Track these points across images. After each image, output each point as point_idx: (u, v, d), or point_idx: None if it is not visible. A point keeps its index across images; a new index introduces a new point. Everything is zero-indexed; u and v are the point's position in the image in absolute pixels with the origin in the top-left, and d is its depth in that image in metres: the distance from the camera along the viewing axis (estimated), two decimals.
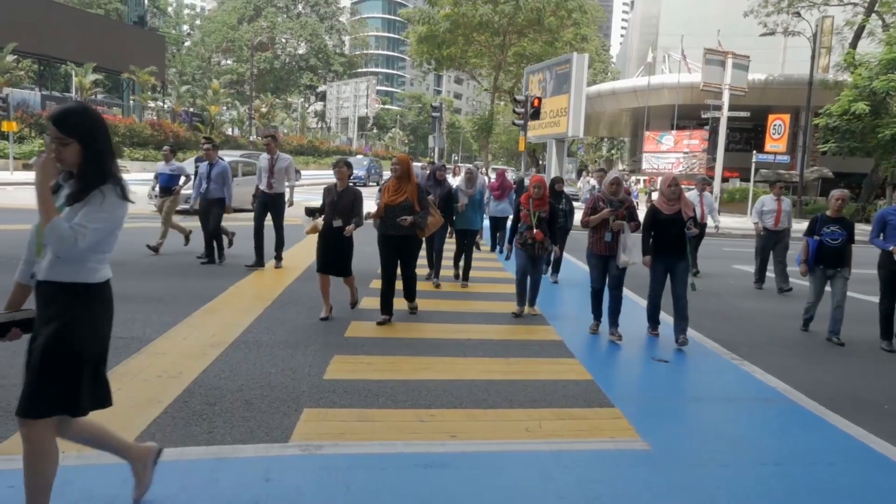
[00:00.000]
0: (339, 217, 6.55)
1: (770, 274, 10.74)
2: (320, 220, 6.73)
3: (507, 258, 7.66)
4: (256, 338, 5.87)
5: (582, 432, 4.25)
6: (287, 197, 9.63)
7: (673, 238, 6.40)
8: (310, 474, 3.44)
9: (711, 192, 18.64)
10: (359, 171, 35.63)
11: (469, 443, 3.95)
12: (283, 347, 5.65)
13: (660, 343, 6.56)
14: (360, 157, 43.71)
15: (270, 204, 9.36)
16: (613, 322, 6.58)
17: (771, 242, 10.60)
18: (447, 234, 9.19)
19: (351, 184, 6.74)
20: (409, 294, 7.09)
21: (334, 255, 6.68)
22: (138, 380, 4.60)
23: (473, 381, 5.07)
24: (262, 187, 9.34)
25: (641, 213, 6.86)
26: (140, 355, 5.15)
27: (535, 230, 7.14)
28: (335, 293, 7.70)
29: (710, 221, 11.26)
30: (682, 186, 6.84)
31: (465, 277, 9.17)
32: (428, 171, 14.06)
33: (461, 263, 9.30)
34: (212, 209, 9.48)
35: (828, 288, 7.48)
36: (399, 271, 6.83)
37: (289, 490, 3.25)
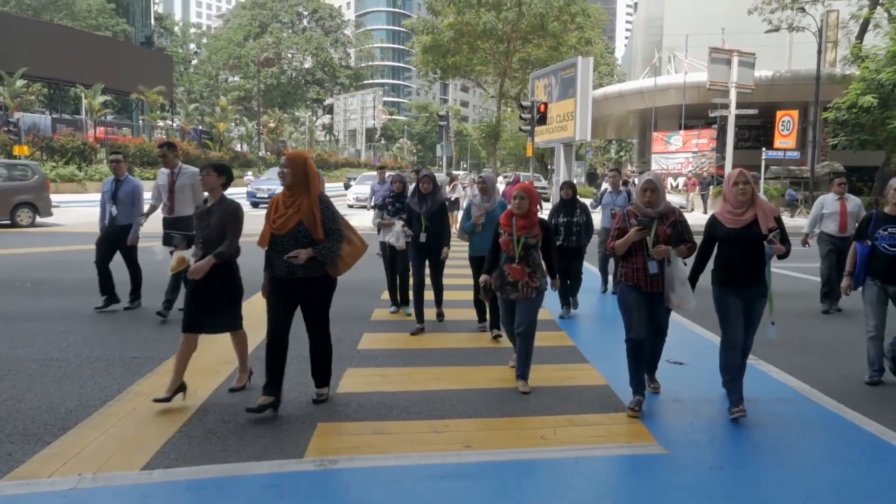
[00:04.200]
0: (205, 245, 4.68)
1: (807, 275, 10.56)
2: (188, 253, 4.80)
3: (486, 299, 5.59)
4: None
5: (598, 438, 4.22)
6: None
7: (747, 262, 4.46)
8: (325, 489, 3.43)
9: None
10: (276, 186, 26.40)
11: (484, 452, 3.93)
12: (296, 362, 5.63)
13: (675, 345, 6.45)
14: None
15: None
16: (649, 371, 5.02)
17: (837, 250, 8.34)
18: (443, 261, 7.05)
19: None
20: (322, 375, 4.77)
21: (207, 301, 4.61)
22: (153, 399, 4.61)
23: (487, 390, 5.05)
24: (163, 211, 7.37)
25: None
26: (154, 375, 5.17)
27: (514, 264, 5.00)
28: (344, 305, 7.65)
29: None
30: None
31: (495, 325, 6.57)
32: (384, 178, 12.96)
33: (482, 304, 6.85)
34: (120, 239, 7.40)
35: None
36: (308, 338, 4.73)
37: None
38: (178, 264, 4.86)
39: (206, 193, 4.77)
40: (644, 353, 4.76)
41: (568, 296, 7.80)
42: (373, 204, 13.17)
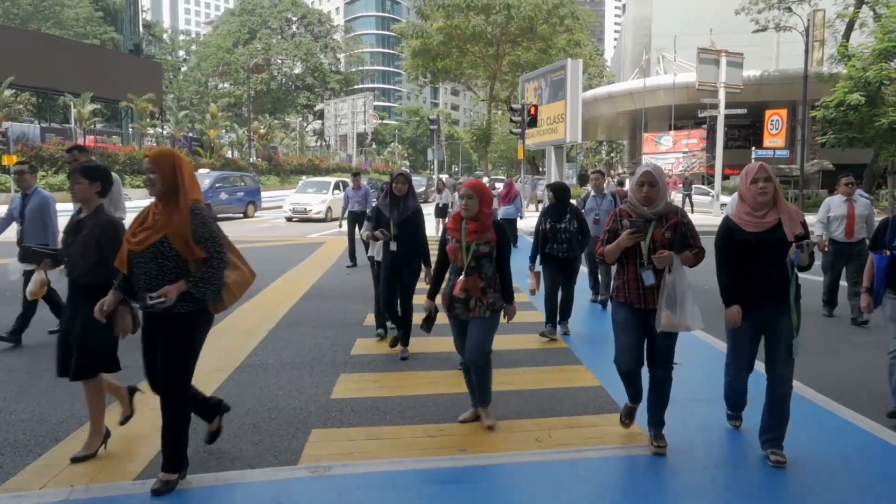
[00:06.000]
0: (69, 265, 3.84)
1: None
2: (53, 273, 4.09)
3: (427, 330, 4.54)
4: (262, 360, 5.86)
5: (593, 440, 4.22)
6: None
7: (768, 274, 3.78)
8: (320, 496, 3.41)
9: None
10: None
11: (479, 456, 3.92)
12: (290, 369, 5.64)
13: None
14: (202, 171, 26.72)
15: None
16: (655, 419, 4.04)
17: (843, 257, 7.89)
18: (419, 276, 6.15)
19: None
20: (172, 452, 3.43)
21: (68, 337, 3.78)
22: (146, 408, 4.57)
23: None
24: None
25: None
26: (146, 384, 5.12)
27: (461, 277, 4.21)
28: (337, 310, 7.68)
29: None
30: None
31: None
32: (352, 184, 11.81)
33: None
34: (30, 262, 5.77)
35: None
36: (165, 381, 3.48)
37: None
38: (39, 289, 4.06)
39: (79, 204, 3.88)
40: (638, 378, 4.09)
41: (555, 313, 6.87)
42: (346, 213, 12.17)
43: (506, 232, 4.38)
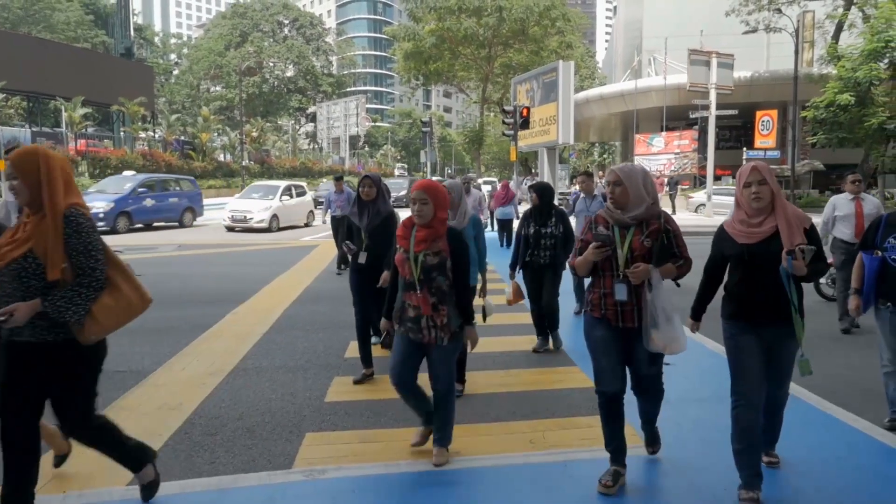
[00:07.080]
0: None
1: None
2: None
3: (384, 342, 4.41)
4: (256, 364, 5.84)
5: (587, 441, 4.21)
6: None
7: (766, 289, 3.31)
8: (315, 499, 3.41)
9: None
10: (103, 201, 18.09)
11: (473, 458, 3.92)
12: (283, 372, 5.63)
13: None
14: (127, 173, 23.16)
15: None
16: (648, 424, 3.91)
17: (853, 260, 6.88)
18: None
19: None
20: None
21: None
22: (137, 413, 4.57)
23: (475, 395, 5.04)
24: None
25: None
26: (139, 388, 5.12)
27: (414, 292, 3.69)
28: (330, 313, 7.65)
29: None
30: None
31: (461, 376, 5.08)
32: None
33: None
34: None
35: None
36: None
37: None
38: None
39: None
40: (621, 407, 3.56)
41: (544, 326, 6.42)
42: (327, 217, 12.84)
43: (461, 242, 3.81)
